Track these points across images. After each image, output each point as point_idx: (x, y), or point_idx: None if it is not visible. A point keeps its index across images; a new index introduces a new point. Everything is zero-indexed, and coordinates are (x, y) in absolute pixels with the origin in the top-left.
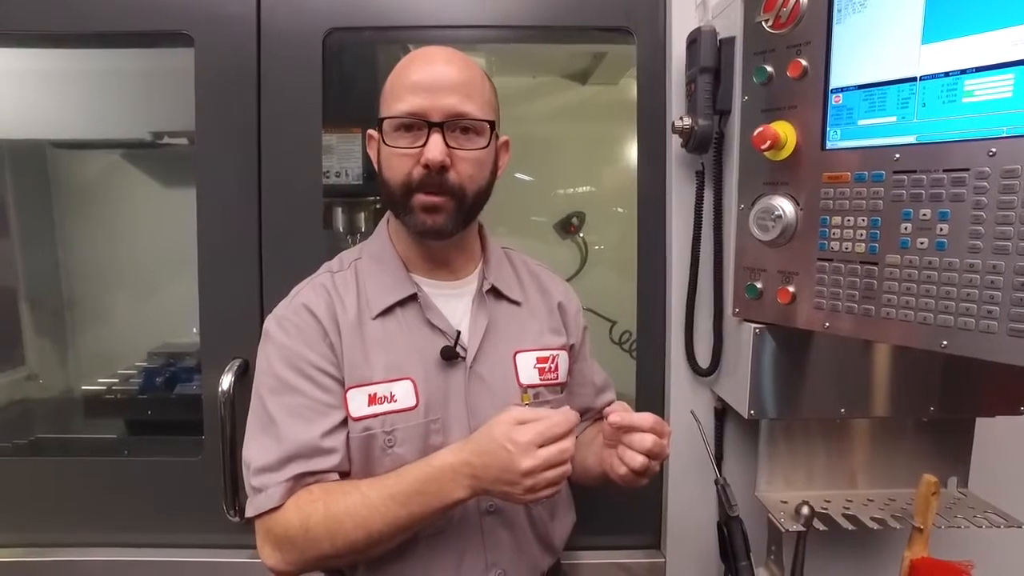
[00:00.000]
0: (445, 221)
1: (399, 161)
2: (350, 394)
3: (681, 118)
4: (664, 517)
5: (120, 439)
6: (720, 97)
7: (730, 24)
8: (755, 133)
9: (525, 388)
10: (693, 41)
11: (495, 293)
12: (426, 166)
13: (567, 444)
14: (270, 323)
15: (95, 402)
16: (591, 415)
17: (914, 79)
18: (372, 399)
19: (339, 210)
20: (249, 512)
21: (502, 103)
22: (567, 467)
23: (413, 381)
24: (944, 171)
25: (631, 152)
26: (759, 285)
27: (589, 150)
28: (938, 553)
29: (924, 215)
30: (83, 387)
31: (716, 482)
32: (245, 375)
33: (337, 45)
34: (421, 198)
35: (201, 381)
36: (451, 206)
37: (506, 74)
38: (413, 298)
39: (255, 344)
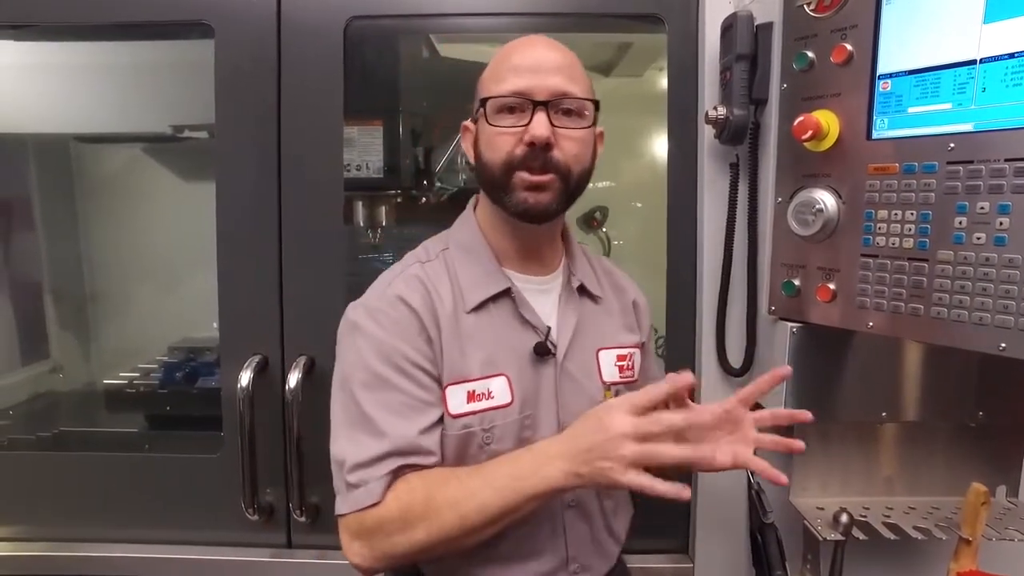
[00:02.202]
0: (549, 200)
1: (501, 140)
2: (449, 391)
3: (715, 108)
4: (693, 521)
5: (141, 433)
6: (756, 86)
7: (768, 9)
8: (795, 123)
9: (608, 385)
10: (728, 27)
11: (580, 289)
12: (531, 143)
13: (666, 414)
14: (358, 314)
15: (116, 396)
16: None
17: (973, 62)
18: (471, 396)
19: (360, 204)
20: (344, 508)
21: None
22: (670, 449)
23: (508, 377)
24: (1006, 161)
25: (656, 146)
26: (797, 282)
27: (612, 143)
28: (985, 566)
29: (982, 208)
30: (105, 381)
31: (750, 487)
32: (264, 371)
33: (359, 36)
34: (524, 176)
35: (220, 378)
36: (556, 185)
37: None
38: (505, 292)
39: (275, 339)
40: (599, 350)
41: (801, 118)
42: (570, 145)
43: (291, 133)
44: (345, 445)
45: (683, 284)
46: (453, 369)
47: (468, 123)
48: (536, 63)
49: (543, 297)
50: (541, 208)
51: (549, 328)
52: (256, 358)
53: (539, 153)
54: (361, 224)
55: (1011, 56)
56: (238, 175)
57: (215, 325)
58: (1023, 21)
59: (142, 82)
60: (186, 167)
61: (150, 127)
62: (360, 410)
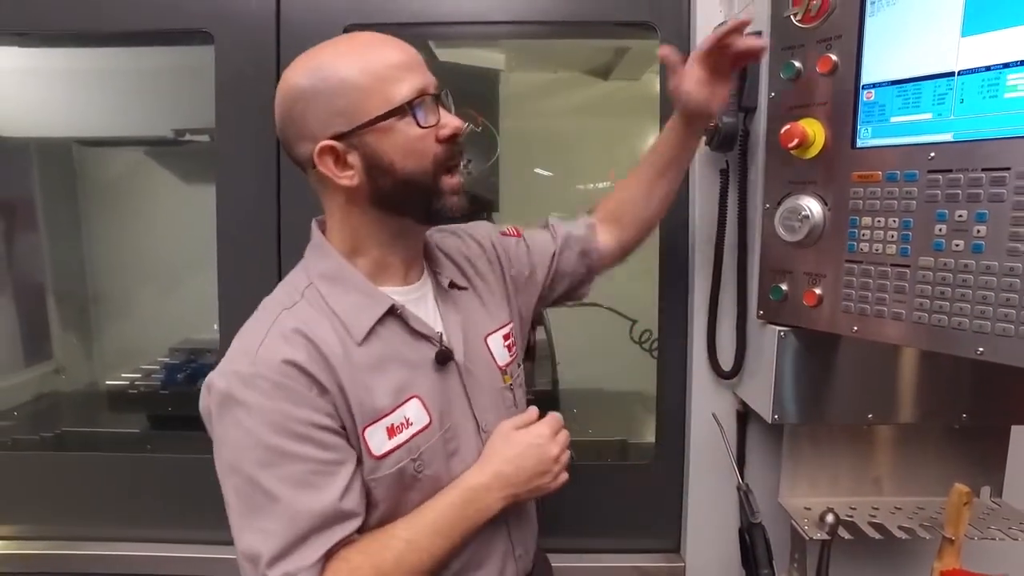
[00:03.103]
0: (465, 199)
1: (425, 144)
2: (368, 433)
3: None
4: (684, 521)
5: (142, 433)
6: (746, 94)
7: (756, 19)
8: (782, 131)
9: (503, 369)
10: None
11: (452, 285)
12: (454, 136)
13: (564, 432)
14: (232, 385)
15: (118, 397)
16: (571, 237)
17: (952, 74)
18: (391, 431)
19: None
20: None
21: (523, 98)
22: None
23: (419, 397)
24: (983, 170)
25: None
26: (784, 287)
27: (611, 145)
28: (970, 565)
29: (960, 216)
30: (107, 382)
31: (738, 488)
32: None
33: None
34: (449, 180)
35: None
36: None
37: (527, 69)
38: (390, 311)
39: None
40: (486, 337)
41: (788, 127)
42: None
43: None
44: (253, 538)
45: (675, 287)
46: (364, 410)
47: (331, 142)
48: (412, 57)
49: (421, 304)
50: (464, 208)
51: (441, 333)
52: None
53: (461, 145)
54: None
55: (987, 69)
56: (238, 179)
57: (216, 327)
58: (998, 35)
59: (145, 87)
60: (188, 170)
61: (153, 131)
62: (264, 493)
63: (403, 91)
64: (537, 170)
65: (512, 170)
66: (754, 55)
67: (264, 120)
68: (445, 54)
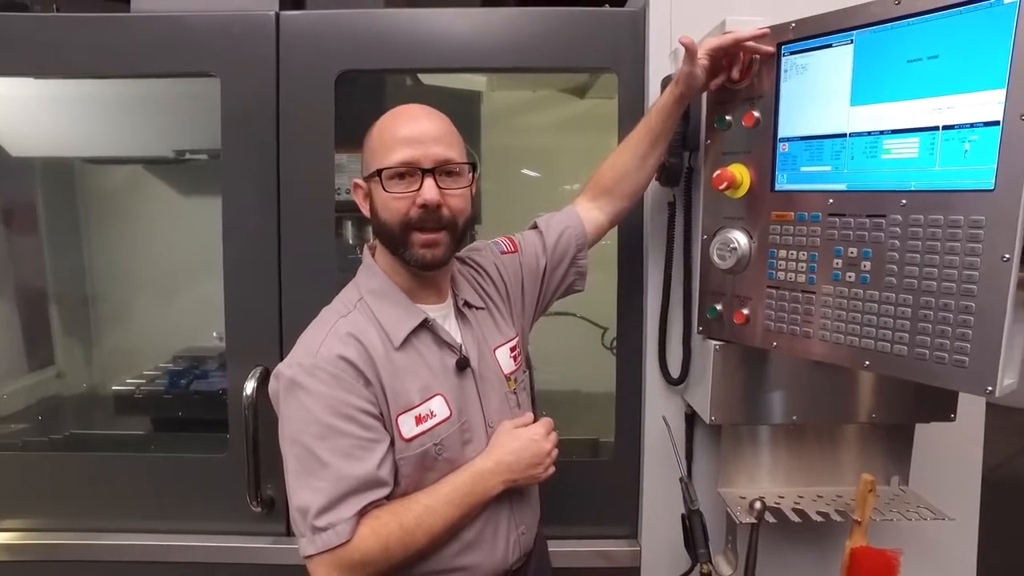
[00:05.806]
0: (444, 253)
1: (397, 204)
2: (400, 420)
3: None
4: (640, 510)
5: (147, 436)
6: (689, 136)
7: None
8: (714, 175)
9: (508, 377)
10: (666, 83)
11: (465, 305)
12: (424, 206)
13: (553, 433)
14: (296, 373)
15: (125, 400)
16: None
17: (844, 135)
18: (418, 420)
19: (349, 223)
20: (311, 550)
21: (504, 116)
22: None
23: (443, 395)
24: (867, 216)
25: None
26: (719, 307)
27: (590, 158)
28: (881, 543)
29: (852, 253)
30: (113, 387)
31: (680, 479)
32: (266, 381)
33: (349, 78)
34: (420, 236)
35: (227, 385)
36: (447, 240)
37: (507, 88)
38: (423, 323)
39: (275, 351)
40: (495, 349)
41: (718, 172)
42: (455, 202)
43: (288, 163)
44: (306, 494)
45: (631, 304)
46: (398, 401)
47: (359, 181)
48: (420, 134)
49: (447, 320)
50: (437, 261)
51: (461, 345)
52: (259, 369)
53: (432, 213)
54: (351, 242)
55: (868, 134)
56: (242, 205)
57: (215, 334)
58: (877, 108)
59: (148, 111)
60: (185, 184)
61: (154, 151)
62: (317, 460)
63: (389, 160)
64: (524, 171)
65: (494, 184)
66: (759, 56)
67: (265, 151)
68: (430, 77)
